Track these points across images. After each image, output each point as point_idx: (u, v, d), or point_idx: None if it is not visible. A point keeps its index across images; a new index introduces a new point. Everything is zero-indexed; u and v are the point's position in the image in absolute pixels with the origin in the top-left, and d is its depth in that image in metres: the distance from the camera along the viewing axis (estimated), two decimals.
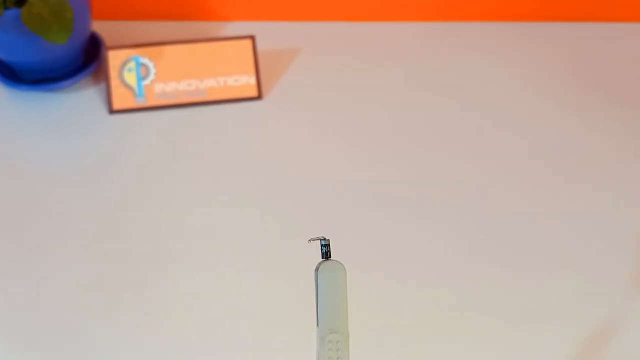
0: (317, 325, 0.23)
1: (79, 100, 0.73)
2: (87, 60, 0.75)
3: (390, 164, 0.68)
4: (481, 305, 0.57)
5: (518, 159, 0.68)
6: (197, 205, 0.64)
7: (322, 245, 0.25)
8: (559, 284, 0.58)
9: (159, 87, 0.73)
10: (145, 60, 0.73)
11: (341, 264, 0.24)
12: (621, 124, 0.72)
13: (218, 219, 0.63)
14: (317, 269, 0.25)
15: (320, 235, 0.26)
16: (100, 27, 0.77)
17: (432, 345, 0.54)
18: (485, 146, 0.70)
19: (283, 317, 0.55)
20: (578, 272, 0.59)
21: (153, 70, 0.73)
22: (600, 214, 0.64)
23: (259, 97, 0.74)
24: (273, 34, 0.80)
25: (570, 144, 0.70)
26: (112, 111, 0.72)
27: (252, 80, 0.74)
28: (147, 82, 0.73)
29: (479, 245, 0.61)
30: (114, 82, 0.72)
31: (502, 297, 0.57)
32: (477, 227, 0.62)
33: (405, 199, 0.65)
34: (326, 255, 0.25)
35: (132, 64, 0.73)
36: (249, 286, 0.58)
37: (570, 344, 0.54)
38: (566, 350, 0.53)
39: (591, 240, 0.61)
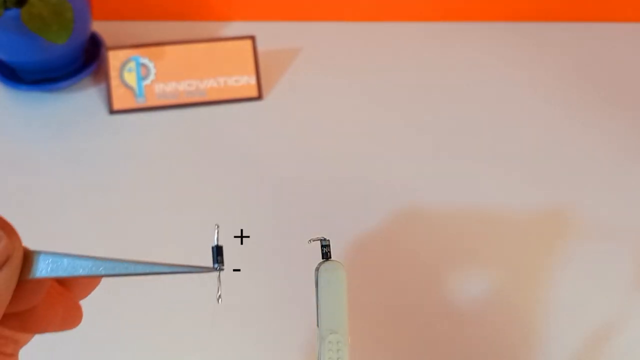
0: (317, 325, 0.23)
1: (79, 100, 0.73)
2: (87, 60, 0.75)
3: (391, 164, 0.68)
4: (481, 305, 0.57)
5: (518, 160, 0.69)
6: (197, 204, 0.64)
7: (322, 245, 0.25)
8: (559, 284, 0.58)
9: (159, 87, 0.73)
10: (145, 60, 0.73)
11: (341, 264, 0.24)
12: (622, 124, 0.72)
13: (218, 219, 0.63)
14: (317, 269, 0.25)
15: (320, 235, 0.26)
16: (100, 27, 0.77)
17: (426, 343, 0.54)
18: (485, 147, 0.70)
19: (282, 317, 0.55)
20: (578, 272, 0.59)
21: (153, 70, 0.73)
22: (600, 213, 0.64)
23: (259, 97, 0.74)
24: (273, 34, 0.80)
25: (570, 144, 0.70)
26: (112, 111, 0.72)
27: (252, 80, 0.74)
28: (147, 82, 0.73)
29: (477, 248, 0.61)
30: (114, 82, 0.72)
31: (501, 297, 0.57)
32: (476, 228, 0.62)
33: (406, 199, 0.65)
34: (326, 256, 0.25)
35: (132, 64, 0.73)
36: (248, 285, 0.58)
37: (570, 343, 0.54)
38: (566, 349, 0.54)
39: (591, 240, 0.61)
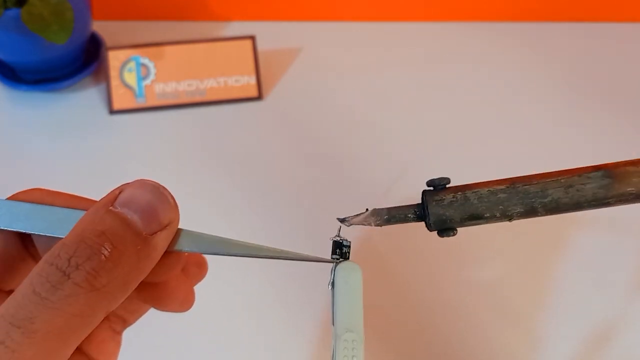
0: (332, 323, 0.23)
1: (79, 100, 0.73)
2: (87, 60, 0.75)
3: (392, 163, 0.68)
4: (481, 304, 0.57)
5: (517, 160, 0.69)
6: (196, 204, 0.64)
7: (343, 246, 0.26)
8: (558, 284, 0.58)
9: (159, 87, 0.73)
10: (145, 60, 0.73)
11: (357, 265, 0.25)
12: (622, 124, 0.72)
13: (217, 219, 0.63)
14: (334, 269, 0.25)
15: (343, 236, 0.26)
16: (100, 27, 0.77)
17: (430, 344, 0.54)
18: (485, 145, 0.70)
19: (293, 315, 0.55)
20: (578, 271, 0.59)
21: (153, 70, 0.73)
22: (600, 215, 0.64)
23: (259, 97, 0.74)
24: (273, 34, 0.80)
25: (569, 145, 0.70)
26: (112, 111, 0.72)
27: (252, 80, 0.74)
28: (147, 82, 0.73)
29: (480, 245, 0.61)
30: (114, 82, 0.72)
31: (502, 297, 0.57)
32: (477, 228, 0.62)
33: (408, 198, 0.65)
34: (344, 256, 0.26)
35: (132, 64, 0.73)
36: (251, 286, 0.58)
37: (570, 343, 0.54)
38: (566, 349, 0.54)
39: (591, 240, 0.62)
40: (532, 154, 0.69)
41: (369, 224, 0.26)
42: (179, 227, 0.25)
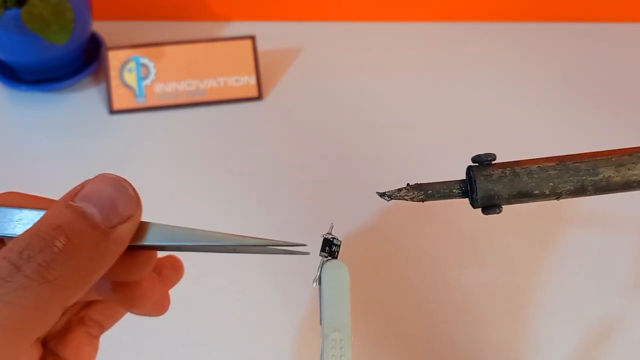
0: (320, 323, 0.23)
1: (79, 100, 0.73)
2: (87, 60, 0.75)
3: (391, 163, 0.68)
4: (481, 304, 0.57)
5: (516, 156, 0.68)
6: (196, 205, 0.64)
7: (333, 244, 0.25)
8: (558, 284, 0.58)
9: (159, 87, 0.73)
10: (145, 60, 0.73)
11: (344, 264, 0.25)
12: (621, 124, 0.72)
13: (217, 219, 0.63)
14: (320, 266, 0.25)
15: (334, 234, 0.26)
16: (100, 27, 0.77)
17: (430, 343, 0.54)
18: (485, 145, 0.70)
19: (283, 314, 0.55)
20: (578, 271, 0.59)
21: (153, 70, 0.73)
22: (600, 214, 0.64)
23: (259, 97, 0.74)
24: (273, 34, 0.80)
25: (569, 145, 0.70)
26: (112, 111, 0.72)
27: (252, 80, 0.74)
28: (147, 82, 0.73)
29: (480, 241, 0.61)
30: (114, 82, 0.72)
31: (502, 296, 0.57)
32: (479, 225, 0.62)
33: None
34: (333, 254, 0.25)
35: (132, 64, 0.73)
36: (248, 286, 0.58)
37: (570, 343, 0.54)
38: (566, 349, 0.54)
39: (591, 240, 0.61)
40: (531, 154, 0.69)
41: (410, 199, 0.25)
42: (148, 220, 0.25)
